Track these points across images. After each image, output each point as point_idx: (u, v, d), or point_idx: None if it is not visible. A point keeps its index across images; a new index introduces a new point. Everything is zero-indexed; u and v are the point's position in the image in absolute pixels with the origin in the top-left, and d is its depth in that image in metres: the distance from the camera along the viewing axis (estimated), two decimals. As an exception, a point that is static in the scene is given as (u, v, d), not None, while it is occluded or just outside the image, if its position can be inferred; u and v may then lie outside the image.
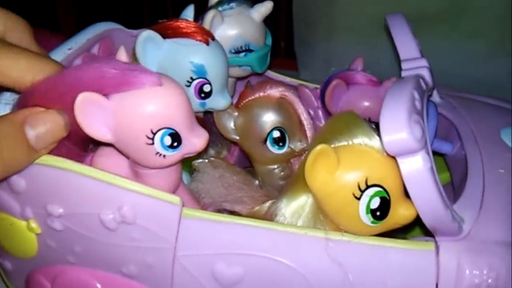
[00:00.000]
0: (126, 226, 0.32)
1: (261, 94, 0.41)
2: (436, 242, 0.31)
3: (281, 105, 0.40)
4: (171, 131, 0.30)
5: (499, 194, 0.34)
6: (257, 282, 0.33)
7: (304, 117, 0.41)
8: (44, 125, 0.30)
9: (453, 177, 0.41)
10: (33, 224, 0.34)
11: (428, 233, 0.32)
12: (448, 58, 0.62)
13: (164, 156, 0.31)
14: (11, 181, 0.33)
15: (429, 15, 0.62)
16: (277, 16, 0.77)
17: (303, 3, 0.68)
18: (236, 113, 0.41)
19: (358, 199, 0.31)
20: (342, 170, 0.31)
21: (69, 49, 0.40)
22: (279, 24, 0.78)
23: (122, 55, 0.33)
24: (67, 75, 0.30)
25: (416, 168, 0.29)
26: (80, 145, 0.34)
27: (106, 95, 0.30)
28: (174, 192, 0.35)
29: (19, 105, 0.32)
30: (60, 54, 0.39)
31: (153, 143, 0.30)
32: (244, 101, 0.41)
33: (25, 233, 0.34)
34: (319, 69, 0.69)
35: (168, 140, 0.30)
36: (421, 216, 0.30)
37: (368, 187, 0.31)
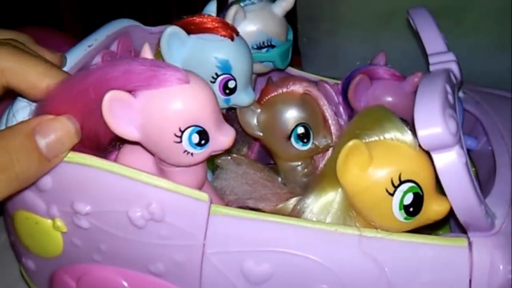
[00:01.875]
0: (154, 223, 0.32)
1: (284, 90, 0.40)
2: (468, 238, 0.31)
3: (305, 101, 0.40)
4: (199, 128, 0.30)
5: (528, 188, 0.34)
6: (286, 279, 0.32)
7: (328, 113, 0.40)
8: (55, 133, 0.30)
9: (479, 172, 0.41)
10: (59, 223, 0.33)
11: (457, 230, 0.32)
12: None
13: (192, 154, 0.31)
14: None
15: (432, 10, 0.61)
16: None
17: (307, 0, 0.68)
18: (259, 110, 0.40)
19: (392, 195, 0.30)
20: (375, 166, 0.31)
21: (89, 46, 0.40)
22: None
23: (147, 53, 0.32)
24: (92, 72, 0.30)
25: (452, 162, 0.28)
26: (99, 149, 0.34)
27: (132, 92, 0.29)
28: (199, 189, 0.35)
29: (39, 110, 0.31)
30: (80, 50, 0.39)
31: (181, 141, 0.30)
32: (267, 97, 0.41)
33: (50, 232, 0.34)
34: (324, 65, 0.69)
35: (196, 138, 0.30)
36: (456, 211, 0.30)
37: (401, 182, 0.30)
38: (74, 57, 0.38)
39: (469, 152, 0.43)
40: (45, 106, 0.31)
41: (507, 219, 0.32)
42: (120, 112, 0.29)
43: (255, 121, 0.41)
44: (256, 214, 0.33)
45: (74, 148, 0.31)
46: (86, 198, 0.32)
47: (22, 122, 0.30)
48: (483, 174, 0.40)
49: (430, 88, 0.30)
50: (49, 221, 0.34)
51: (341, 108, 0.44)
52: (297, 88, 0.40)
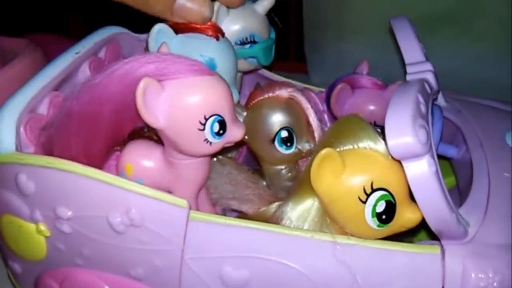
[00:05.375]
0: (134, 228, 0.33)
1: (270, 94, 0.41)
2: (442, 246, 0.32)
3: (289, 106, 0.41)
4: (220, 118, 0.32)
5: (504, 198, 0.34)
6: (264, 285, 0.33)
7: (312, 118, 0.41)
8: None
9: (458, 181, 0.41)
10: (42, 227, 0.34)
11: (434, 236, 0.32)
12: (458, 60, 0.62)
13: (210, 143, 0.33)
14: (21, 184, 0.33)
15: (439, 17, 0.62)
16: (287, 19, 0.77)
17: (314, 6, 0.69)
18: (245, 113, 0.41)
19: (364, 202, 0.31)
20: (348, 174, 0.31)
21: (77, 53, 0.40)
22: (289, 27, 0.78)
23: (165, 50, 0.35)
24: (128, 61, 0.32)
25: (421, 172, 0.29)
26: (116, 141, 0.36)
27: (161, 81, 0.32)
28: (203, 185, 0.37)
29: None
30: (68, 57, 0.40)
31: (204, 129, 0.32)
32: (253, 101, 0.41)
33: (34, 236, 0.35)
34: (329, 72, 0.69)
35: (216, 127, 0.32)
36: (427, 219, 0.30)
37: (373, 190, 0.31)
38: (61, 63, 0.39)
39: (449, 160, 0.43)
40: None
41: (481, 228, 0.32)
42: (151, 99, 0.31)
43: None
44: (233, 221, 0.33)
45: (90, 137, 0.33)
46: (68, 203, 0.33)
47: None
48: (463, 182, 0.40)
49: (402, 98, 0.30)
50: (33, 225, 0.34)
51: (325, 116, 0.44)
52: (283, 92, 0.41)
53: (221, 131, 0.33)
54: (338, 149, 0.32)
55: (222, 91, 0.33)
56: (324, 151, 0.30)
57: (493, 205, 0.34)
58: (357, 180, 0.31)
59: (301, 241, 0.32)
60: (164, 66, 0.31)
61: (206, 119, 0.32)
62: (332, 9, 0.67)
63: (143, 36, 0.46)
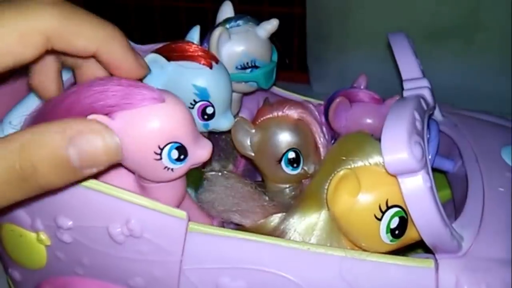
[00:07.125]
0: (133, 239, 0.33)
1: (280, 113, 0.41)
2: (436, 260, 0.32)
3: (298, 127, 0.41)
4: (177, 144, 0.31)
5: (498, 212, 0.35)
6: (260, 296, 0.33)
7: (320, 140, 0.41)
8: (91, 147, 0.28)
9: (454, 194, 0.42)
10: (43, 236, 0.35)
11: (429, 250, 0.33)
12: (460, 74, 0.63)
13: (172, 169, 0.32)
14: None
15: (441, 31, 0.62)
16: (291, 30, 0.77)
17: (317, 18, 0.69)
18: (253, 130, 0.41)
19: (379, 219, 0.32)
20: (363, 193, 0.32)
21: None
22: (292, 38, 0.78)
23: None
24: (67, 95, 0.30)
25: (416, 187, 0.29)
26: None
27: (109, 114, 0.30)
28: (180, 203, 0.36)
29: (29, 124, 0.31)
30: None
31: (161, 158, 0.31)
32: (261, 119, 0.42)
33: (34, 244, 0.35)
34: (332, 83, 0.69)
35: (175, 154, 0.31)
36: (421, 233, 0.31)
37: (388, 208, 0.31)
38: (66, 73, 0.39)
39: (445, 174, 0.44)
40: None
41: (475, 242, 0.33)
42: None
43: (248, 141, 0.41)
44: (232, 232, 0.34)
45: None
46: (69, 213, 0.33)
47: (54, 126, 0.27)
48: (458, 196, 0.40)
49: (398, 115, 0.31)
50: (34, 234, 0.35)
51: (324, 129, 0.45)
52: (292, 113, 0.41)
53: (181, 157, 0.32)
54: (349, 166, 0.33)
55: (176, 117, 0.31)
56: (342, 173, 0.31)
57: (487, 219, 0.34)
58: (373, 199, 0.32)
59: (298, 253, 0.33)
60: (111, 95, 0.29)
61: (162, 149, 0.31)
62: (334, 21, 0.67)
63: (145, 47, 0.47)
